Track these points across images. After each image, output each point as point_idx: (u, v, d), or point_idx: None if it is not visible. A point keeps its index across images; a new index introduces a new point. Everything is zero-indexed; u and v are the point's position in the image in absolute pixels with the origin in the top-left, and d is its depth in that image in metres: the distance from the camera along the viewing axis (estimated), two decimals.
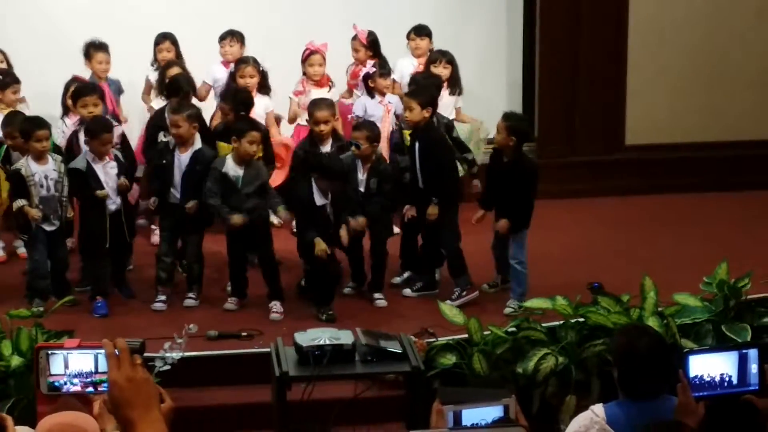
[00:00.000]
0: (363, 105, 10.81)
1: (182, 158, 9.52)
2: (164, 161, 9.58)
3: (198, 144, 9.58)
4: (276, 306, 9.40)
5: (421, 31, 11.43)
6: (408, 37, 11.44)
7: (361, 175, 9.65)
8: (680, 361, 5.40)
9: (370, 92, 10.95)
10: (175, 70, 10.67)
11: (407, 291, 9.94)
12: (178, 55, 11.25)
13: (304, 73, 11.07)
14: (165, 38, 11.30)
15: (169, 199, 9.59)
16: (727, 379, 5.25)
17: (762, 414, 5.22)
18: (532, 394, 8.24)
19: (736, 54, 13.02)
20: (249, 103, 10.33)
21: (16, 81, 10.50)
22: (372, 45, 11.29)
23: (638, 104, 12.90)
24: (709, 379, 5.24)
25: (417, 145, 9.68)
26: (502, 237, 9.67)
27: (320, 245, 9.19)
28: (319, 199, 9.31)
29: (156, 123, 10.30)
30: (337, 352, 7.37)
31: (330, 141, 10.03)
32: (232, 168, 9.35)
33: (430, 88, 10.06)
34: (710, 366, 5.25)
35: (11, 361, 8.09)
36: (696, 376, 5.21)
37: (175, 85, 10.27)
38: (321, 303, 9.42)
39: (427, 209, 9.63)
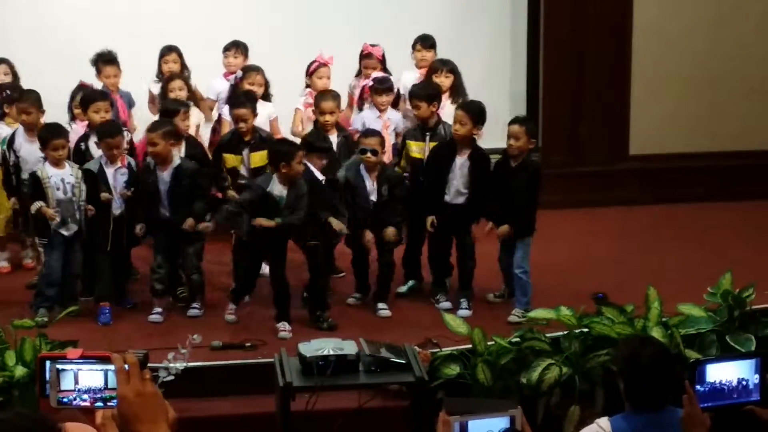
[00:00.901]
0: (362, 119, 10.80)
1: (164, 176, 9.56)
2: (149, 181, 9.60)
3: (177, 160, 9.62)
4: (283, 326, 9.38)
5: (426, 42, 11.35)
6: (413, 47, 11.39)
7: (371, 185, 9.67)
8: (687, 372, 5.42)
9: (362, 104, 11.01)
10: (177, 84, 10.72)
11: (446, 304, 9.82)
12: (183, 67, 11.25)
13: (308, 85, 11.05)
14: (171, 50, 11.31)
15: (160, 216, 9.61)
16: (744, 384, 5.33)
17: (764, 425, 5.23)
18: (536, 405, 8.23)
19: (740, 62, 13.05)
20: (256, 102, 10.35)
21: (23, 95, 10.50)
22: (383, 61, 11.27)
23: (642, 114, 12.93)
24: (726, 384, 5.31)
25: (461, 160, 9.69)
26: (508, 245, 9.70)
27: (335, 223, 9.40)
28: (318, 174, 9.46)
29: None
30: (341, 362, 7.37)
31: (335, 131, 10.25)
32: (277, 188, 9.30)
33: (480, 104, 9.97)
34: (727, 374, 5.32)
35: (15, 371, 8.09)
36: (714, 382, 5.26)
37: (165, 110, 10.25)
38: (320, 309, 9.48)
39: (456, 221, 9.75)
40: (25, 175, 9.83)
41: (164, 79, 10.97)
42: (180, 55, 11.30)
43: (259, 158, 9.97)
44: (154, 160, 9.55)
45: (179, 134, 9.89)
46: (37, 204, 9.44)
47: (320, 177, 9.51)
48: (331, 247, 9.91)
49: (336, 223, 9.45)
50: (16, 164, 10.02)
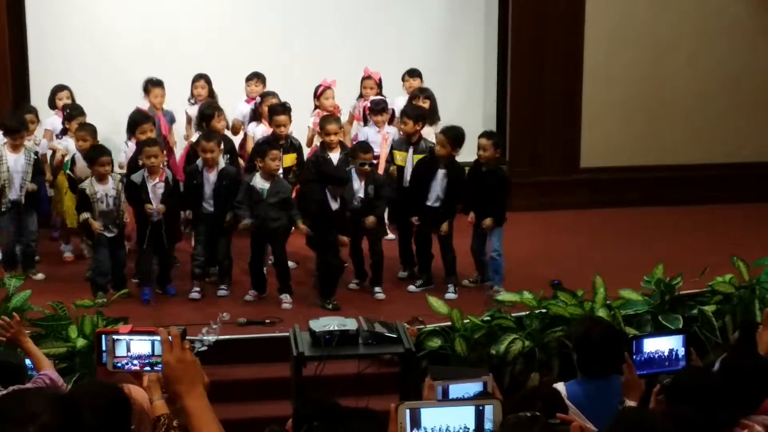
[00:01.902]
0: (365, 134, 10.80)
1: (210, 177, 9.56)
2: (195, 181, 9.59)
3: (222, 164, 9.63)
4: (285, 297, 9.42)
5: (413, 73, 11.44)
6: (403, 78, 11.42)
7: (358, 185, 9.68)
8: (626, 345, 5.44)
9: (366, 121, 11.01)
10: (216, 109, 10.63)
11: (412, 287, 9.91)
12: (211, 92, 11.22)
13: (317, 107, 11.05)
14: (200, 77, 11.31)
15: (203, 210, 9.61)
16: (673, 355, 5.40)
17: None
18: (503, 372, 8.24)
19: (670, 93, 13.04)
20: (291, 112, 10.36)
21: (82, 113, 10.48)
22: (380, 84, 11.30)
23: (591, 134, 12.91)
24: (659, 355, 5.38)
25: (442, 172, 9.66)
26: (483, 235, 9.72)
27: (343, 240, 9.41)
28: (333, 204, 9.37)
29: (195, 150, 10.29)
30: (343, 336, 7.36)
31: (339, 149, 10.20)
32: (259, 182, 9.36)
33: (458, 130, 9.88)
34: (659, 347, 5.42)
35: (77, 342, 8.10)
36: (649, 353, 5.33)
37: (203, 114, 10.34)
38: (326, 294, 9.46)
39: (435, 222, 9.72)
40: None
41: (201, 105, 10.86)
42: (208, 81, 11.29)
43: (289, 159, 10.06)
44: (208, 164, 9.55)
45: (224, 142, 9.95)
46: (85, 215, 9.47)
47: (335, 206, 9.40)
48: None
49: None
50: (80, 180, 10.01)
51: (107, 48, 12.34)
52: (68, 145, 10.40)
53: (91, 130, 10.05)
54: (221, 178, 9.53)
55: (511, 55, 12.78)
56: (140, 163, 9.56)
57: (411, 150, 10.08)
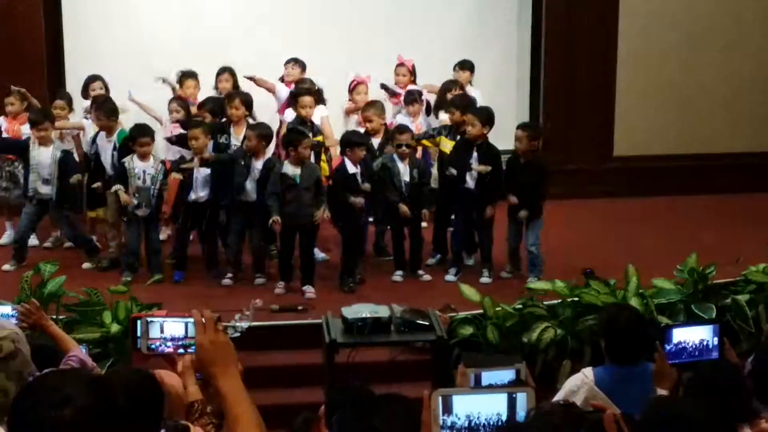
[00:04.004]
0: (399, 121, 10.79)
1: (257, 164, 9.59)
2: (244, 166, 9.60)
3: (269, 154, 9.69)
4: (308, 288, 9.44)
5: (464, 65, 11.47)
6: (453, 69, 11.43)
7: (403, 168, 9.69)
8: (658, 334, 5.41)
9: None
10: (236, 102, 10.25)
11: (449, 277, 9.87)
12: (235, 85, 11.10)
13: (350, 100, 11.06)
14: (225, 70, 11.18)
15: (242, 198, 9.62)
16: (705, 345, 5.36)
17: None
18: (535, 360, 8.22)
19: (706, 81, 13.02)
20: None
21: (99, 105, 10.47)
22: (413, 72, 11.29)
23: (624, 122, 12.90)
24: (690, 344, 5.35)
25: (475, 155, 9.67)
26: (519, 225, 9.75)
27: (357, 202, 9.42)
28: (351, 168, 9.42)
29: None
30: (376, 323, 7.37)
31: (381, 133, 10.26)
32: (290, 169, 9.33)
33: (488, 109, 9.97)
34: (691, 336, 5.38)
35: (111, 327, 8.15)
36: (680, 343, 5.30)
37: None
38: (344, 274, 9.54)
39: (477, 206, 9.72)
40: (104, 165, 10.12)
41: (225, 95, 10.78)
42: (232, 74, 11.17)
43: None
44: (248, 152, 9.59)
45: (270, 136, 9.90)
46: (117, 186, 9.59)
47: (352, 170, 9.49)
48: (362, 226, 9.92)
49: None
50: (96, 154, 10.14)
51: (141, 39, 12.36)
52: (89, 129, 10.51)
53: (106, 109, 10.07)
54: (266, 168, 9.52)
55: (544, 44, 12.77)
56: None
57: (459, 138, 10.01)
